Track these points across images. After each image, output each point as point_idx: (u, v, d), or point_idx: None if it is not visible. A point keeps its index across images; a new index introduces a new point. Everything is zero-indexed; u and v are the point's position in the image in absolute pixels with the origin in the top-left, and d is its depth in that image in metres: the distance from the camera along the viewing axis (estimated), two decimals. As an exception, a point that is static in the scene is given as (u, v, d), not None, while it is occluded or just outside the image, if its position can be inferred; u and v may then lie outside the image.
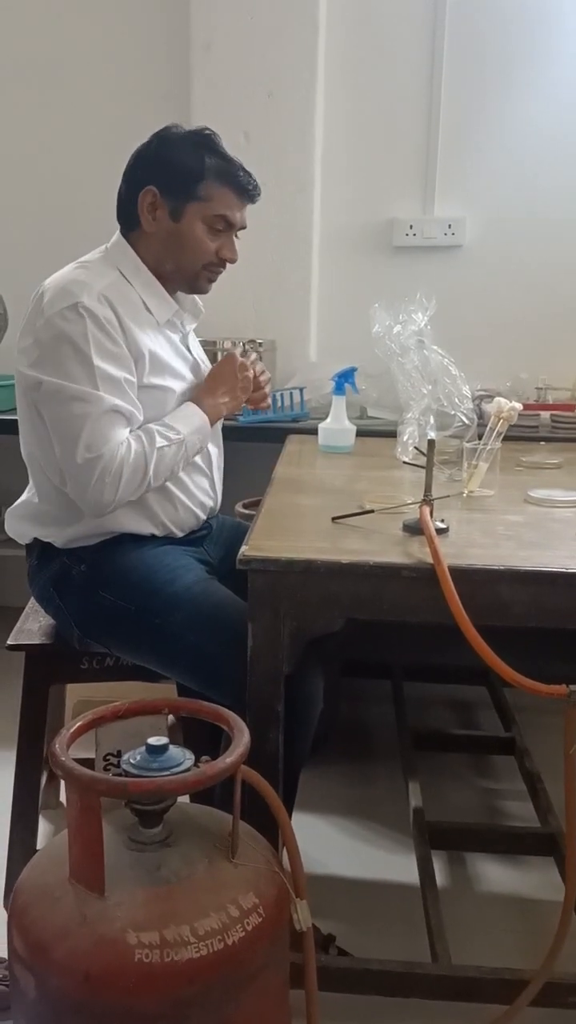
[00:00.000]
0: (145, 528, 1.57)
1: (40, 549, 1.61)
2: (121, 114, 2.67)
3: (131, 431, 1.48)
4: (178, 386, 1.59)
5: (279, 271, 2.66)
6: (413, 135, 2.66)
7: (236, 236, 1.61)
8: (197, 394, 1.61)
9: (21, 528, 1.64)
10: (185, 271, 1.59)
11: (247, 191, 1.57)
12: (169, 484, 1.57)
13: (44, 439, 1.52)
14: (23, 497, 1.65)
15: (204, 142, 1.55)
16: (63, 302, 1.44)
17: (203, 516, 1.67)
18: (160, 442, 1.48)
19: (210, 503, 1.70)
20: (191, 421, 1.55)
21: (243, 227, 1.60)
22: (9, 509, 1.67)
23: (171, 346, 1.61)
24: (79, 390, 1.42)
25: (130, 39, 2.71)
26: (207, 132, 1.56)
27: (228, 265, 1.62)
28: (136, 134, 1.58)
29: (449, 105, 2.63)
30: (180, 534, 1.62)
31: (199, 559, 1.61)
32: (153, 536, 1.58)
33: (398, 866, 1.79)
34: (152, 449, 1.47)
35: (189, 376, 1.64)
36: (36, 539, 1.61)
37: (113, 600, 1.50)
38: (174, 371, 1.59)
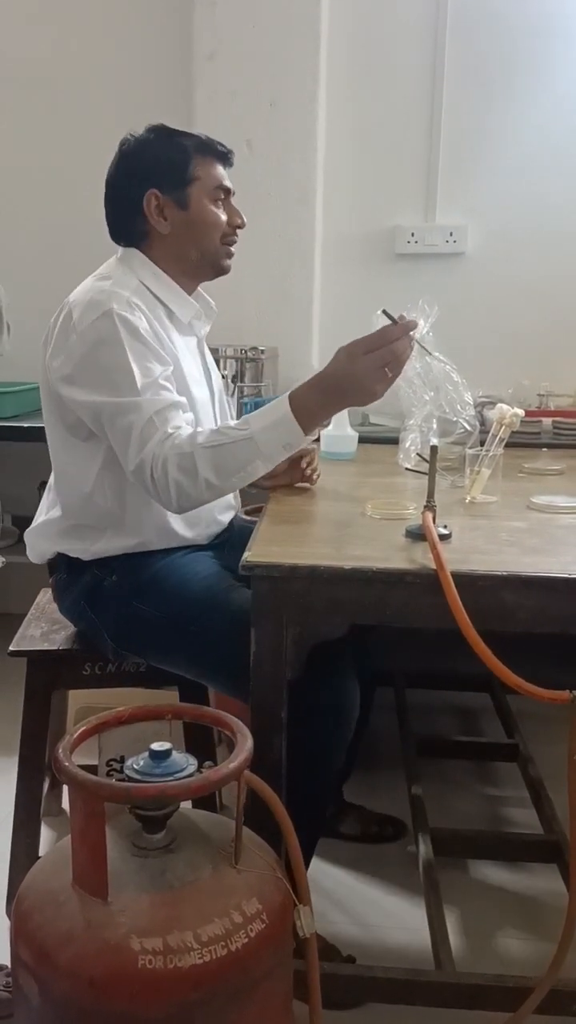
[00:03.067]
0: (171, 542, 1.56)
1: (67, 564, 1.59)
2: (124, 124, 2.63)
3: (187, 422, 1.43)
4: (200, 394, 1.59)
5: (281, 278, 2.66)
6: (415, 143, 2.67)
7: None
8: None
9: (41, 547, 1.63)
10: (209, 252, 1.59)
11: (227, 154, 1.61)
12: None
13: (75, 452, 1.51)
14: (42, 518, 1.63)
15: (171, 132, 1.58)
16: (94, 313, 1.44)
17: (225, 521, 1.68)
18: (214, 439, 1.37)
19: (231, 510, 1.71)
20: (266, 416, 1.39)
21: (234, 192, 1.63)
22: (28, 530, 1.65)
23: (189, 352, 1.63)
24: (121, 403, 1.39)
25: (133, 49, 2.73)
26: (163, 125, 1.59)
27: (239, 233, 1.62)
28: (139, 143, 1.59)
29: (451, 113, 2.64)
30: (205, 542, 1.62)
31: (223, 565, 1.59)
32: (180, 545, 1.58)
33: (401, 873, 1.79)
34: (197, 445, 1.36)
35: (205, 383, 1.65)
36: (60, 554, 1.60)
37: (148, 609, 1.49)
38: (195, 379, 1.60)
